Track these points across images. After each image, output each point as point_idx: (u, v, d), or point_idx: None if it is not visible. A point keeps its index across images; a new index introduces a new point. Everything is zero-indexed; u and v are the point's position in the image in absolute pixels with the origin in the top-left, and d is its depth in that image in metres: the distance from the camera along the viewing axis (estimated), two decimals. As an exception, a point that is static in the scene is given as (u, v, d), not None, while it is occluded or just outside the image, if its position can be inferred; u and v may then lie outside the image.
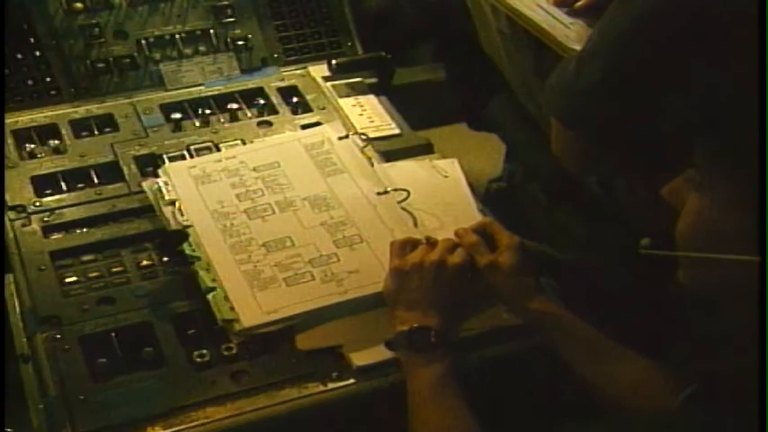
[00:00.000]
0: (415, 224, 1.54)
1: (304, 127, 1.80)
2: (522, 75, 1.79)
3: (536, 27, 1.56)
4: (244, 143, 1.74)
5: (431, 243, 1.40)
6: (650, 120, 1.31)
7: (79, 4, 1.89)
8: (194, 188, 1.57)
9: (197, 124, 1.81)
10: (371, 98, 1.91)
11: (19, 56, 1.83)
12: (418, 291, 1.33)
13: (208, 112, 1.83)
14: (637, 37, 1.30)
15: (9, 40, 1.83)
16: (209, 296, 1.38)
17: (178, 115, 1.80)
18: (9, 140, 1.73)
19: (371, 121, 1.84)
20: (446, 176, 1.67)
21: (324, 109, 1.86)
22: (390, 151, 1.74)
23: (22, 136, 1.76)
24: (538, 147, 1.72)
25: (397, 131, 1.81)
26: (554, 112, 1.45)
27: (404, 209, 1.56)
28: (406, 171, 1.67)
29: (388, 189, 1.59)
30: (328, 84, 1.93)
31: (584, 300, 1.42)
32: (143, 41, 1.92)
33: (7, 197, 1.60)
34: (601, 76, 1.33)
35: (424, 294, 1.32)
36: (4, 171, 1.64)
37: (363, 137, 1.74)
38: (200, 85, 1.91)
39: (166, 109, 1.83)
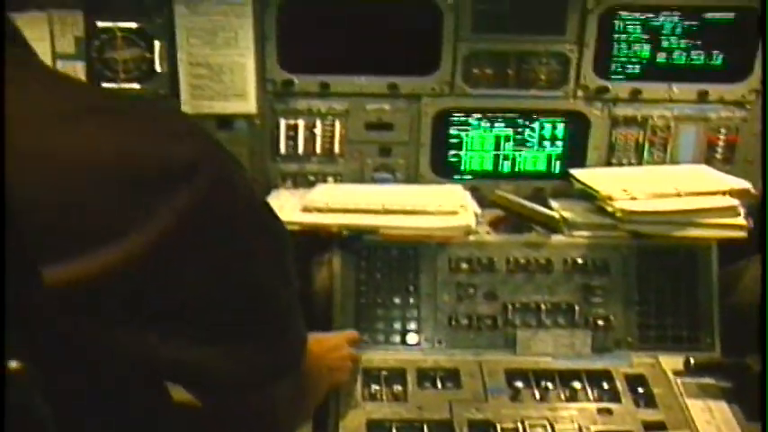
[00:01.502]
0: None
1: (645, 425, 1.76)
2: None
3: None
4: (580, 431, 1.74)
5: None
6: None
7: (465, 265, 2.04)
8: None
9: (536, 396, 1.85)
10: (723, 406, 1.82)
11: (397, 300, 2.03)
12: None
13: (549, 386, 1.86)
14: None
15: (392, 286, 2.03)
16: None
17: (520, 384, 1.85)
18: (359, 376, 1.89)
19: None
20: None
21: (670, 408, 1.81)
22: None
23: (371, 376, 1.91)
24: None
25: (743, 454, 1.71)
26: None
27: None
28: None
29: None
30: (679, 380, 1.88)
31: None
32: (509, 305, 2.02)
33: (341, 435, 1.74)
34: None
35: None
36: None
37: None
38: (548, 355, 1.96)
39: (510, 375, 1.89)
